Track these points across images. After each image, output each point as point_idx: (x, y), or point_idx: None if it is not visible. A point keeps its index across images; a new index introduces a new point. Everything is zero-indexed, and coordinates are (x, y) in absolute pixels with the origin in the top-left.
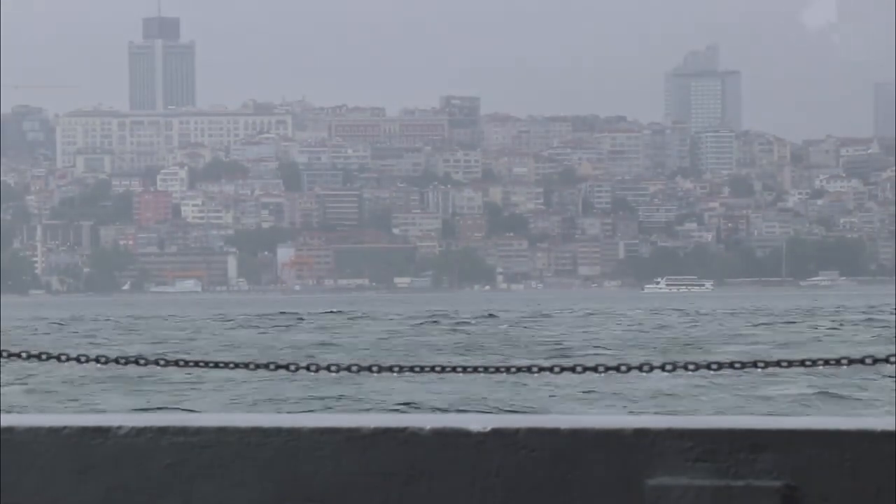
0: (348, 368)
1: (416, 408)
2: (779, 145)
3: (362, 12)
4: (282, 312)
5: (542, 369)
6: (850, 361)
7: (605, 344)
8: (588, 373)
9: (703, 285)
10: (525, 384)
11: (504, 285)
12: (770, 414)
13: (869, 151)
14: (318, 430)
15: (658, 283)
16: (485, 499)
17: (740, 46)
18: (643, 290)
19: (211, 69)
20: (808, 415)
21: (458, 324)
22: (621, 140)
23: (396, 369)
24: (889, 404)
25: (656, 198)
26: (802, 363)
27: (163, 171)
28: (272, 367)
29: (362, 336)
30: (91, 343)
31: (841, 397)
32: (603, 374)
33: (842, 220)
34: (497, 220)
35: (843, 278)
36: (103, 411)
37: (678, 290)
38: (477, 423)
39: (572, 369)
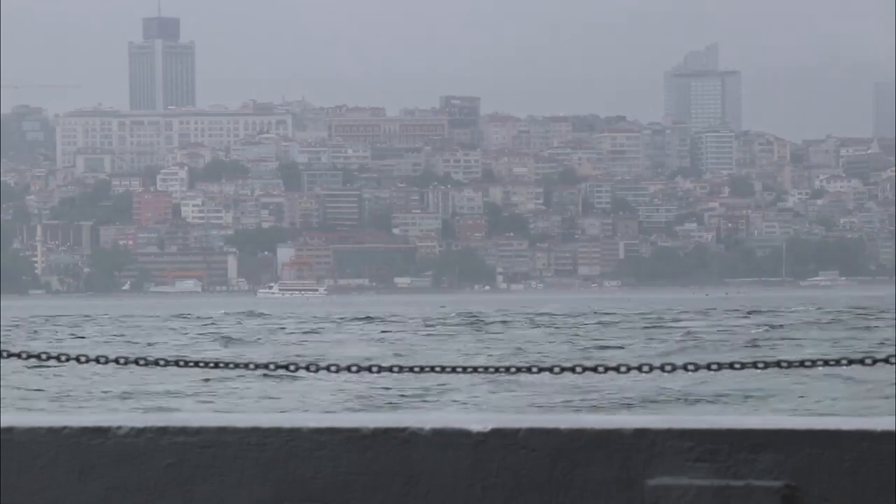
0: (348, 368)
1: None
2: (779, 145)
3: (362, 12)
4: None
5: (541, 369)
6: (850, 361)
7: None
8: (587, 373)
9: (317, 290)
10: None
11: (504, 285)
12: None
13: (869, 151)
14: (318, 430)
15: (272, 287)
16: (485, 499)
17: (740, 46)
18: (256, 294)
19: (211, 69)
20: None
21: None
22: (621, 140)
23: (396, 369)
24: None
25: (656, 198)
26: (802, 363)
27: (163, 171)
28: (272, 367)
29: None
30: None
31: None
32: (603, 374)
33: (842, 220)
34: (497, 220)
35: (843, 278)
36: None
37: (291, 294)
38: (477, 423)
39: (572, 369)
